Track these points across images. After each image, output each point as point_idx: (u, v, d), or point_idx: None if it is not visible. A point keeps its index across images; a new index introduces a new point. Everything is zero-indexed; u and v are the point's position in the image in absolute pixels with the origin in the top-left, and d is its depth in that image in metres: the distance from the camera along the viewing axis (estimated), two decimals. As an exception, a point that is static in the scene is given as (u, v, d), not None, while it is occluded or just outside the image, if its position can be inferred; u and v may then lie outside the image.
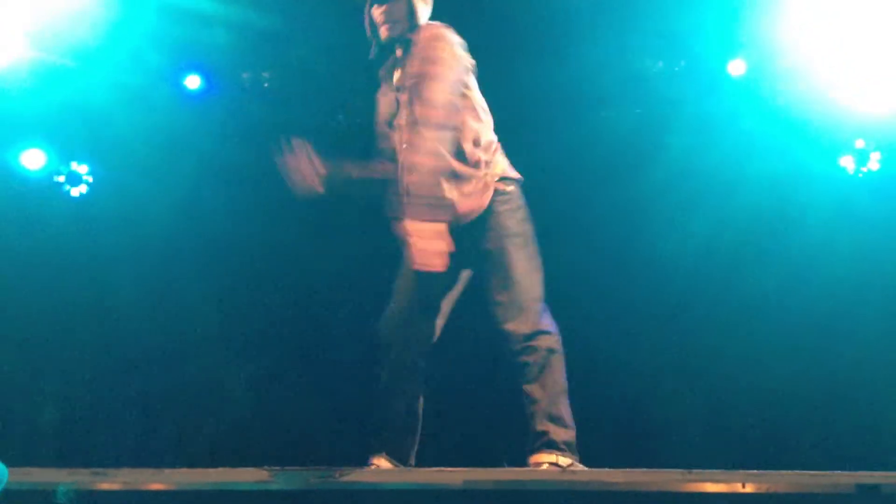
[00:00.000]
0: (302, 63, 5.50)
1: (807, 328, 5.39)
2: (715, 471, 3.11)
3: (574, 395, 3.64)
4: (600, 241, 5.53)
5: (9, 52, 5.01)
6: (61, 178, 5.55)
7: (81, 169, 5.58)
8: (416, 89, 3.54)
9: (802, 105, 5.37)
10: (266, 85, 5.61)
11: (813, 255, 5.39)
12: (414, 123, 3.50)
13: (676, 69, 5.62)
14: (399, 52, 3.73)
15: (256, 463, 3.39)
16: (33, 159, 5.46)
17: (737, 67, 5.56)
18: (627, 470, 3.17)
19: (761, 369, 5.38)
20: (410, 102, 3.56)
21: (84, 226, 5.53)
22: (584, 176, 5.60)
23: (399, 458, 3.70)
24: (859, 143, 5.51)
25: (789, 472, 3.14)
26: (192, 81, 5.57)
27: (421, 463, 3.73)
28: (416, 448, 3.76)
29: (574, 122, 5.55)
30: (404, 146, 3.55)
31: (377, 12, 3.72)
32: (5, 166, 5.41)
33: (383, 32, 3.73)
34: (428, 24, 3.75)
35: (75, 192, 5.57)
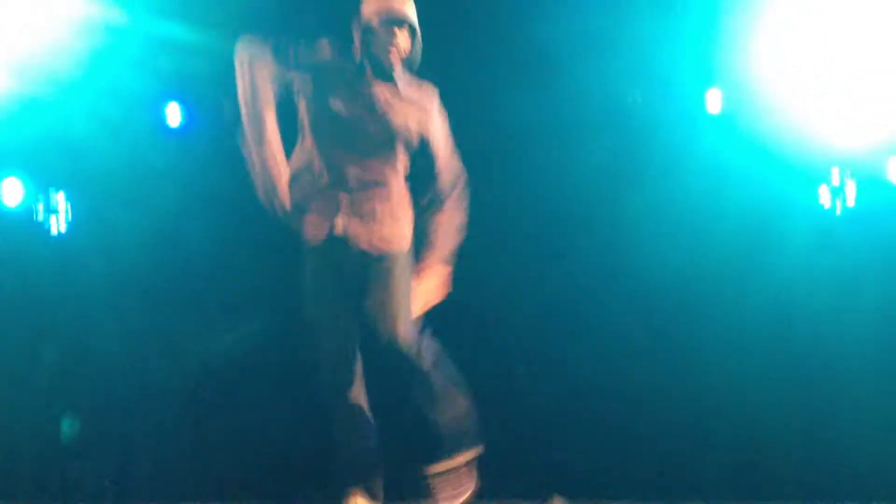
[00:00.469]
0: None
1: (787, 363, 5.43)
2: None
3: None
4: (576, 275, 5.54)
5: (-13, 83, 4.99)
6: (40, 212, 5.49)
7: (60, 201, 5.52)
8: (433, 148, 3.93)
9: (780, 137, 5.41)
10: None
11: (791, 289, 5.43)
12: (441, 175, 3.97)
13: (653, 100, 5.67)
14: (383, 83, 3.81)
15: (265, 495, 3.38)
16: (10, 191, 5.40)
17: (714, 99, 5.62)
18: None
19: (741, 402, 5.39)
20: (408, 147, 3.85)
21: (62, 258, 5.48)
22: (558, 207, 5.62)
23: (372, 493, 3.81)
24: (837, 177, 5.54)
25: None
26: (173, 112, 5.55)
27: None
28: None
29: (549, 152, 5.58)
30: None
31: (401, 35, 3.78)
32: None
33: (393, 58, 3.79)
34: (419, 79, 3.91)
35: (53, 224, 5.51)
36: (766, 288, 5.42)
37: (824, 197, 5.57)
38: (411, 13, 3.82)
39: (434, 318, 3.99)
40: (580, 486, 4.90)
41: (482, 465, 4.66)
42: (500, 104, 5.48)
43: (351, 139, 3.80)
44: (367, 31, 3.78)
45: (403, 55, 3.82)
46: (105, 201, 5.51)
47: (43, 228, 5.52)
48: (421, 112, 3.89)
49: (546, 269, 5.56)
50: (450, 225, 4.04)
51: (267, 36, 3.96)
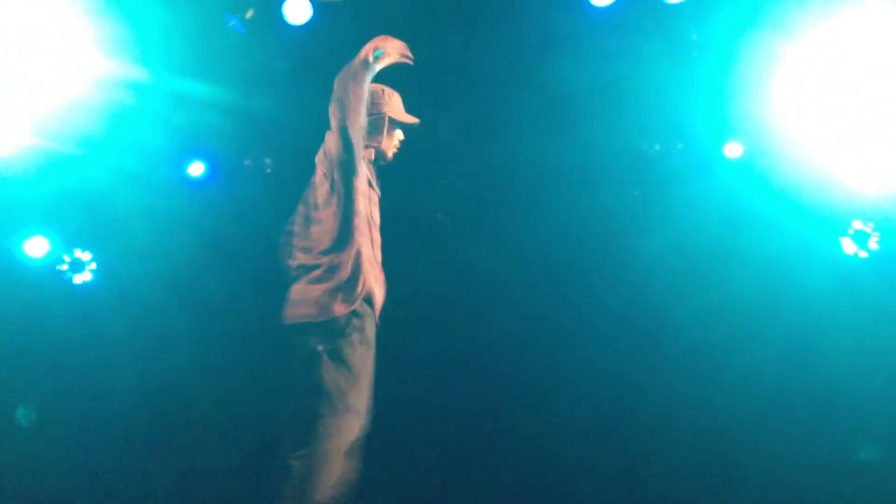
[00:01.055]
0: (304, 149, 5.53)
1: (806, 407, 5.38)
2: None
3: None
4: (596, 325, 5.55)
5: (13, 141, 5.04)
6: (65, 267, 5.54)
7: (84, 256, 5.57)
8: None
9: (800, 185, 5.42)
10: (268, 171, 5.66)
11: (812, 337, 5.41)
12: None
13: (673, 151, 5.69)
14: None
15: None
16: (37, 247, 5.45)
17: (733, 149, 5.63)
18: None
19: (762, 449, 5.36)
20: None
21: (86, 312, 5.51)
22: (581, 257, 5.63)
23: None
24: (857, 224, 5.55)
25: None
26: (196, 168, 5.61)
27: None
28: None
29: (571, 203, 5.60)
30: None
31: (398, 139, 4.23)
32: (9, 254, 5.39)
33: (391, 153, 4.21)
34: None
35: (78, 279, 5.55)
36: (787, 337, 5.41)
37: (845, 244, 5.57)
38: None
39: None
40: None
41: None
42: (522, 151, 5.52)
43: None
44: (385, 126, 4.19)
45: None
46: (127, 254, 5.55)
47: (67, 280, 5.56)
48: None
49: (564, 318, 5.56)
50: None
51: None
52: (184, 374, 5.51)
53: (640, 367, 5.52)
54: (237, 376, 5.47)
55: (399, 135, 4.24)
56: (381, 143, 4.18)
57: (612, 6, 5.32)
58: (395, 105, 4.22)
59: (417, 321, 5.22)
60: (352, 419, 3.76)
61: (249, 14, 5.25)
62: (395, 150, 4.23)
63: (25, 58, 4.86)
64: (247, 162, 5.67)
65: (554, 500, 5.37)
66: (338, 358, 3.77)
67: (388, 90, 4.25)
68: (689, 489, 5.36)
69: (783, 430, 5.36)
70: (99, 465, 5.46)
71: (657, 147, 5.73)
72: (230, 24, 5.22)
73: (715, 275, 5.47)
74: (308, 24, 5.27)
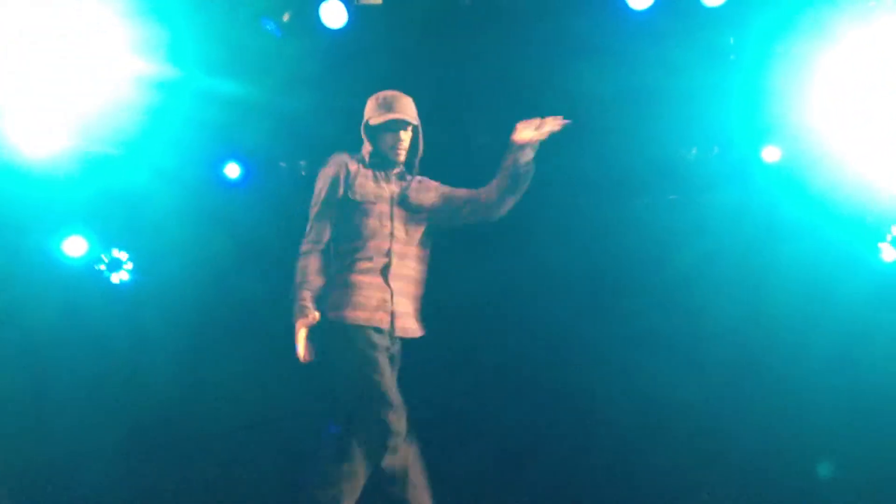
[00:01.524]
0: (339, 150, 5.55)
1: (847, 416, 5.31)
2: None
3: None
4: (632, 332, 5.52)
5: (52, 142, 5.11)
6: (102, 266, 5.60)
7: (122, 256, 5.64)
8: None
9: (838, 190, 5.35)
10: (303, 173, 5.69)
11: (851, 344, 5.35)
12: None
13: (710, 156, 5.65)
14: (404, 175, 4.31)
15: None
16: (75, 246, 5.52)
17: (771, 153, 5.58)
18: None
19: (799, 457, 5.31)
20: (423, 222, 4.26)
21: (123, 311, 5.58)
22: (618, 263, 5.62)
23: None
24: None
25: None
26: (232, 169, 5.65)
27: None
28: None
29: (606, 209, 5.58)
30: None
31: (404, 136, 4.25)
32: (48, 254, 5.47)
33: (401, 155, 4.26)
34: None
35: (115, 278, 5.62)
36: (825, 344, 5.34)
37: (884, 250, 5.50)
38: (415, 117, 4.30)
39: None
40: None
41: None
42: (557, 156, 5.49)
43: None
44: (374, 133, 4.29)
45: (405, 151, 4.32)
46: (164, 253, 5.61)
47: (105, 279, 5.63)
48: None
49: (599, 325, 5.55)
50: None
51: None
52: (220, 371, 5.57)
53: (675, 375, 5.48)
54: (272, 373, 5.50)
55: (393, 137, 4.25)
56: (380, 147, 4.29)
57: (649, 9, 5.28)
58: (370, 109, 4.31)
59: (453, 324, 5.22)
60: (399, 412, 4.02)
61: (286, 17, 5.28)
62: (398, 150, 4.27)
63: (64, 60, 4.91)
64: (282, 164, 5.71)
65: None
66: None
67: (372, 99, 4.34)
68: (729, 497, 5.33)
69: (823, 439, 5.31)
70: (136, 462, 5.53)
71: (694, 151, 5.69)
72: (266, 28, 5.25)
73: (752, 280, 5.44)
74: (344, 27, 5.29)
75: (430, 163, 4.33)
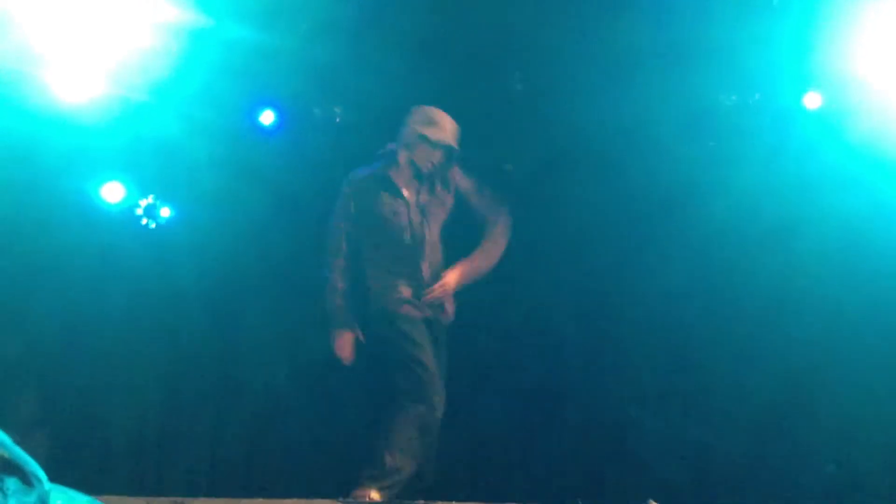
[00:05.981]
0: (373, 97, 5.53)
1: (888, 368, 5.25)
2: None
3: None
4: (664, 282, 5.49)
5: (88, 90, 5.12)
6: (140, 211, 5.63)
7: (158, 202, 5.66)
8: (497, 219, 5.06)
9: (880, 139, 5.24)
10: (338, 120, 5.67)
11: (891, 296, 5.26)
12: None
13: (750, 102, 5.55)
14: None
15: (333, 492, 3.45)
16: (112, 193, 5.56)
17: (812, 100, 5.47)
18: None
19: (833, 411, 5.28)
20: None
21: (159, 256, 5.61)
22: (657, 211, 5.56)
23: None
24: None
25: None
26: (267, 117, 5.64)
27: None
28: None
29: (647, 156, 5.51)
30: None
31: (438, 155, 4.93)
32: (86, 200, 5.51)
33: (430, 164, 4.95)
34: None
35: (152, 224, 5.65)
36: (867, 296, 5.29)
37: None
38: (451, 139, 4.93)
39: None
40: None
41: (575, 473, 4.73)
42: (592, 105, 5.44)
43: None
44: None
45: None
46: (199, 201, 5.63)
47: (142, 226, 5.66)
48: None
49: (631, 276, 5.51)
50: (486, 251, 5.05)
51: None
52: (250, 317, 5.61)
53: (707, 328, 5.46)
54: (303, 325, 5.54)
55: (431, 152, 4.91)
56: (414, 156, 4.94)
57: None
58: (422, 122, 4.89)
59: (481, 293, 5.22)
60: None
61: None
62: (429, 164, 4.92)
63: (98, 7, 4.91)
64: (316, 111, 5.69)
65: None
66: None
67: (419, 111, 4.90)
68: (760, 462, 5.32)
69: (859, 396, 5.25)
70: (170, 411, 5.60)
71: (734, 98, 5.59)
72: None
73: (789, 230, 5.36)
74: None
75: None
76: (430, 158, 4.90)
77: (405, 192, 4.93)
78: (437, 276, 4.89)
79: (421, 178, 4.97)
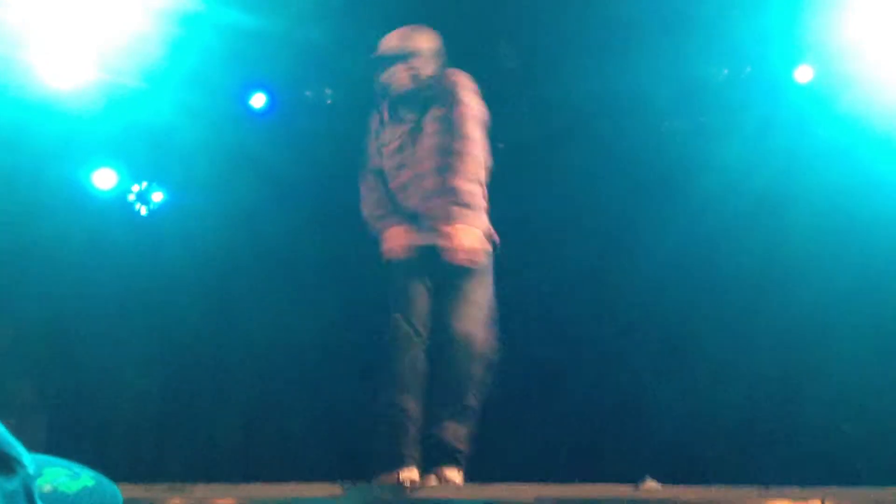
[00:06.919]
0: (364, 78, 5.51)
1: (878, 339, 5.28)
2: (793, 488, 3.06)
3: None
4: (655, 255, 5.48)
5: (79, 75, 5.09)
6: (132, 197, 5.62)
7: (150, 188, 5.64)
8: (453, 126, 4.09)
9: (870, 111, 5.23)
10: (329, 102, 5.65)
11: (882, 265, 5.28)
12: (452, 153, 4.05)
13: (742, 76, 5.56)
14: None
15: (331, 475, 3.44)
16: (104, 179, 5.54)
17: (803, 73, 5.48)
18: (702, 487, 3.13)
19: (833, 384, 5.28)
20: (441, 134, 4.11)
21: (151, 241, 5.60)
22: (648, 185, 5.56)
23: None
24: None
25: (870, 488, 3.08)
26: (258, 100, 5.62)
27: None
28: None
29: (639, 130, 5.51)
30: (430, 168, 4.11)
31: (402, 68, 4.25)
32: (78, 186, 5.49)
33: (406, 83, 4.27)
34: (451, 71, 4.25)
35: (144, 210, 5.64)
36: (856, 265, 5.29)
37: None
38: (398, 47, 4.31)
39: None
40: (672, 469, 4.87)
41: (575, 449, 4.71)
42: (583, 79, 5.43)
43: None
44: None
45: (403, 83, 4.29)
46: (191, 184, 5.62)
47: (134, 212, 5.65)
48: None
49: (621, 251, 5.52)
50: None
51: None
52: (243, 301, 5.60)
53: (695, 301, 5.46)
54: (296, 309, 5.54)
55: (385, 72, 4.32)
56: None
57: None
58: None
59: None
60: None
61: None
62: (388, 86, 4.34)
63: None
64: (308, 93, 5.67)
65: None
66: None
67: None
68: (756, 438, 5.33)
69: (847, 369, 5.25)
70: (164, 397, 5.59)
71: (725, 71, 5.59)
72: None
73: (779, 202, 5.37)
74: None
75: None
76: (388, 79, 4.36)
77: (385, 118, 4.44)
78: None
79: (399, 101, 4.40)
